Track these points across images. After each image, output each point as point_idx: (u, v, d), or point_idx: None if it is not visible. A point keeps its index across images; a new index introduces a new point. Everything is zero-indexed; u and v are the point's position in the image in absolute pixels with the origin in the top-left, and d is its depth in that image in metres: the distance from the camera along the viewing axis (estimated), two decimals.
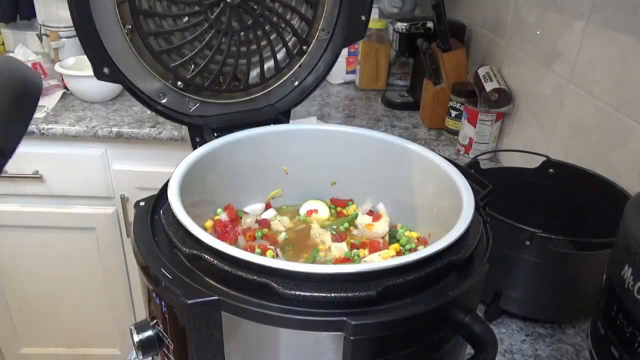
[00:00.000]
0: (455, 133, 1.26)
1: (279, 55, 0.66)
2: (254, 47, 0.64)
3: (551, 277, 0.68)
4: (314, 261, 0.55)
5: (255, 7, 0.61)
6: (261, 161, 0.62)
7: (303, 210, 0.64)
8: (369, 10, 0.67)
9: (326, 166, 0.64)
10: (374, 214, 0.62)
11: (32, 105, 0.37)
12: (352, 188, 0.65)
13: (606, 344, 0.46)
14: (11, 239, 1.43)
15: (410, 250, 0.55)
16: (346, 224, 0.62)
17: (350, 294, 0.37)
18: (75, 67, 1.41)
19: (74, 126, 1.27)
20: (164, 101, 0.62)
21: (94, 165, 1.33)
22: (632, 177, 0.75)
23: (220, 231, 0.56)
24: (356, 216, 0.62)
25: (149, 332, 0.44)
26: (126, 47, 0.57)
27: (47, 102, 1.37)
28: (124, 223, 1.42)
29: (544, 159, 0.82)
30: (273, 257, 0.54)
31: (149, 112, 1.28)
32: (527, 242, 0.64)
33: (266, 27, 0.64)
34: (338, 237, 0.59)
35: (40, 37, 1.67)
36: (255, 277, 0.38)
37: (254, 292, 0.38)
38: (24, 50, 1.61)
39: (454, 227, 0.43)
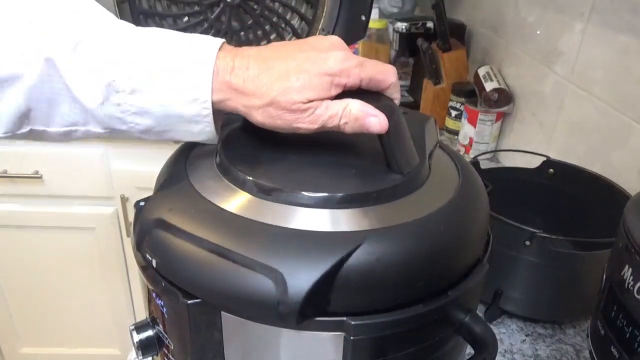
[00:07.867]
0: (456, 133, 1.26)
1: None
2: None
3: (551, 277, 0.68)
4: None
5: (255, 7, 0.61)
6: None
7: None
8: (369, 10, 0.67)
9: None
10: None
11: None
12: None
13: (606, 344, 0.46)
14: (11, 239, 1.43)
15: None
16: None
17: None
18: None
19: None
20: None
21: (94, 165, 1.33)
22: (632, 177, 0.75)
23: None
24: None
25: (149, 332, 0.44)
26: None
27: None
28: (124, 223, 1.42)
29: (544, 159, 0.82)
30: None
31: None
32: (527, 242, 0.64)
33: (266, 27, 0.64)
34: None
35: None
36: None
37: None
38: None
39: None
